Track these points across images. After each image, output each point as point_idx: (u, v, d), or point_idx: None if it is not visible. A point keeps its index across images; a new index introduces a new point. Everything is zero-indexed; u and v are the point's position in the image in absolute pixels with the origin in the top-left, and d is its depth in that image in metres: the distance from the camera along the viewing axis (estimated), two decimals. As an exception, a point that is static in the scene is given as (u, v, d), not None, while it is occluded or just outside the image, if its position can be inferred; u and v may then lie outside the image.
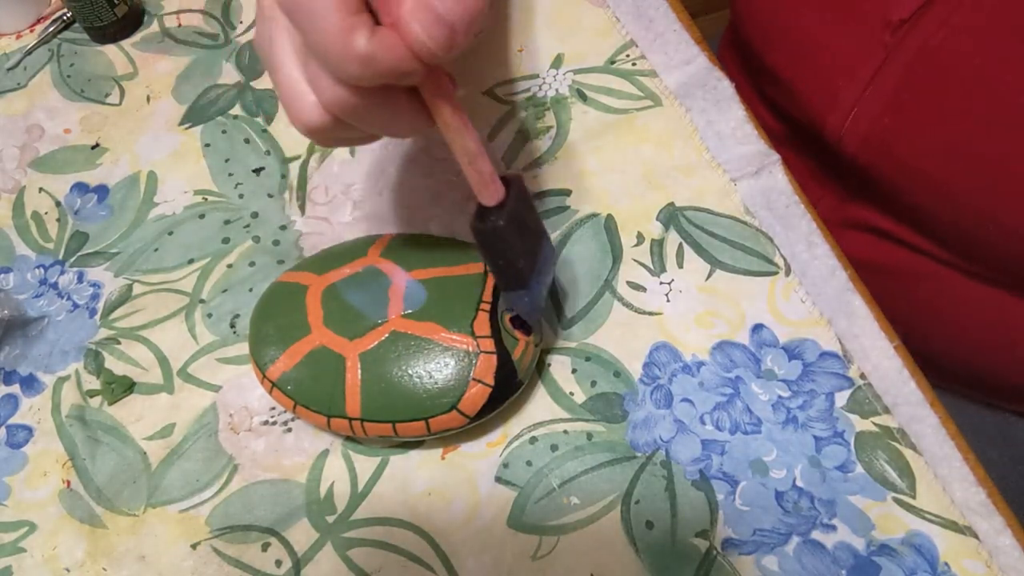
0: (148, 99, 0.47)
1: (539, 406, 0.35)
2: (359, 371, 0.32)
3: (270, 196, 0.42)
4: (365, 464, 0.35)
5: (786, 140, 0.46)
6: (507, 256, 0.28)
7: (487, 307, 0.32)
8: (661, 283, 0.37)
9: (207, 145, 0.45)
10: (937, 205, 0.38)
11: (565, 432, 0.34)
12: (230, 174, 0.43)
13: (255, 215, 0.42)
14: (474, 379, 0.31)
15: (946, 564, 0.30)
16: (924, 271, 0.42)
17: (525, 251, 0.29)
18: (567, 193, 0.40)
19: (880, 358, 0.34)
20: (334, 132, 0.25)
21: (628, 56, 0.43)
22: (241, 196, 0.43)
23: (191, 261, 0.41)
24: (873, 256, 0.43)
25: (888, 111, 0.37)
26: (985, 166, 0.35)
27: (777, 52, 0.43)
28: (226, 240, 0.41)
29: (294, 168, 0.43)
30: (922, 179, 0.37)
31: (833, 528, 0.31)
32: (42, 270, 0.42)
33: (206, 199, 0.43)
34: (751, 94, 0.48)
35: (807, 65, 0.41)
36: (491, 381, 0.31)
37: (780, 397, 0.34)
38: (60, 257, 0.42)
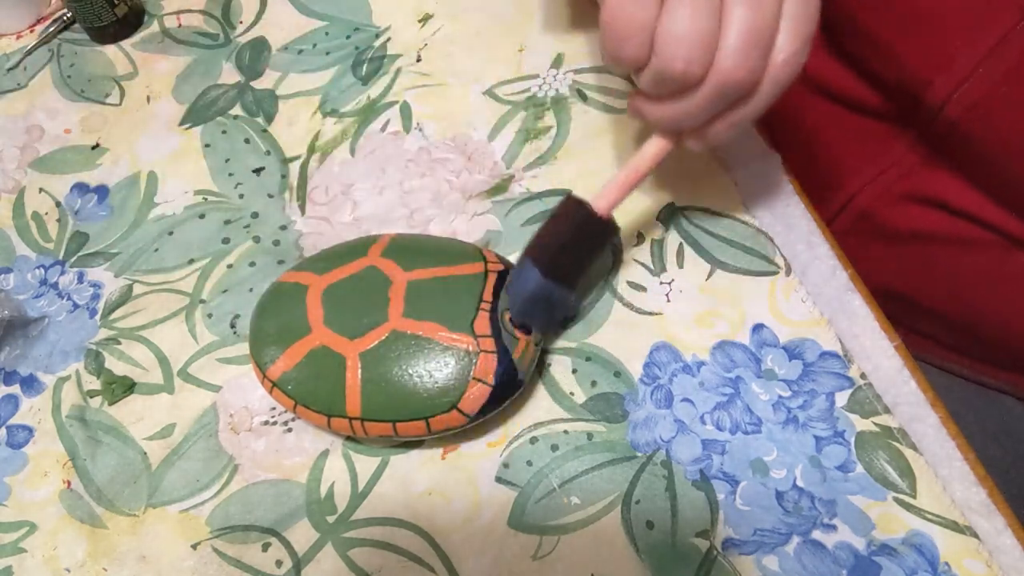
0: (148, 99, 0.47)
1: (539, 406, 0.35)
2: (359, 371, 0.32)
3: (270, 196, 0.42)
4: (365, 464, 0.35)
5: (861, 102, 0.45)
6: (584, 263, 0.33)
7: (487, 307, 0.32)
8: (661, 283, 0.37)
9: (207, 145, 0.45)
10: None
11: (565, 432, 0.34)
12: (230, 174, 0.43)
13: (255, 215, 0.42)
14: (474, 378, 0.31)
15: (947, 564, 0.30)
16: (989, 245, 0.41)
17: (586, 274, 0.34)
18: (567, 193, 0.40)
19: (880, 358, 0.34)
20: None
21: (628, 56, 0.43)
22: (241, 196, 0.43)
23: (191, 261, 0.41)
24: (934, 227, 0.42)
25: (1008, 80, 0.36)
26: None
27: (878, 15, 0.41)
28: (226, 240, 0.41)
29: (294, 168, 0.43)
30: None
31: (833, 528, 0.31)
32: (42, 270, 0.42)
33: (206, 199, 0.43)
34: (824, 51, 0.47)
35: (916, 26, 0.39)
36: (491, 380, 0.31)
37: (780, 397, 0.34)
38: (60, 257, 0.42)
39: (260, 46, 0.48)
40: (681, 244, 0.38)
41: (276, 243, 0.41)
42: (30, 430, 0.38)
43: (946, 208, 0.42)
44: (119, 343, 0.39)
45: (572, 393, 0.35)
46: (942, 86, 0.38)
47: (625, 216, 0.38)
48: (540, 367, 0.35)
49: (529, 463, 0.34)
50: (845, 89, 0.45)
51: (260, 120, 0.45)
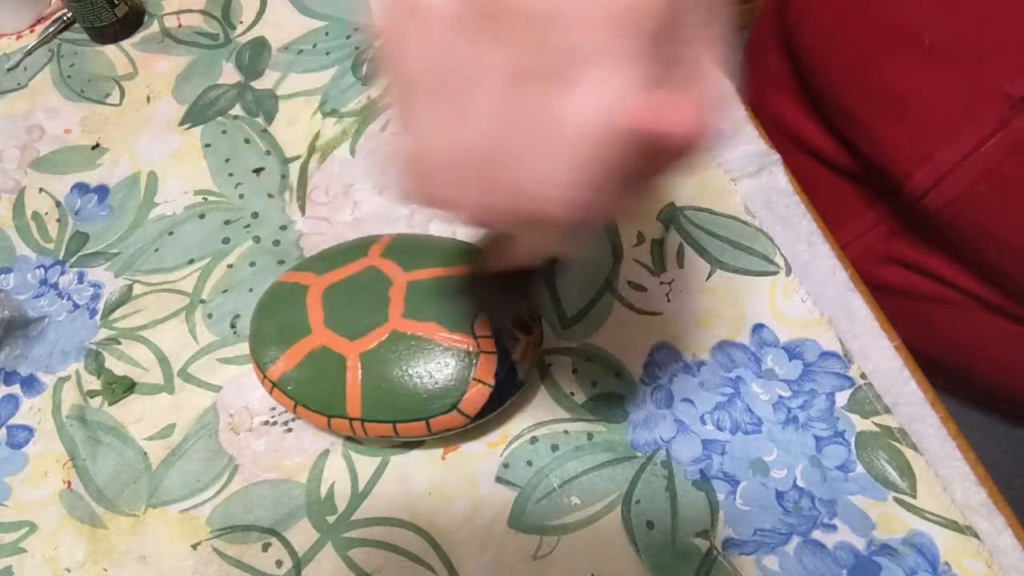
0: (148, 99, 0.47)
1: (540, 406, 0.35)
2: (359, 371, 0.32)
3: (270, 196, 0.42)
4: (365, 464, 0.35)
5: (843, 167, 0.45)
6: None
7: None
8: (662, 283, 0.37)
9: (207, 145, 0.45)
10: (1012, 266, 0.37)
11: (566, 432, 0.34)
12: (230, 174, 0.43)
13: (255, 215, 0.42)
14: (475, 379, 0.31)
15: (947, 564, 0.30)
16: (970, 307, 0.41)
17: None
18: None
19: (880, 358, 0.34)
20: None
21: (628, 56, 0.43)
22: (241, 196, 0.43)
23: (191, 261, 0.41)
24: (916, 287, 0.43)
25: (984, 181, 0.36)
26: None
27: (859, 95, 0.41)
28: (226, 240, 0.41)
29: (294, 168, 0.43)
30: (1004, 244, 0.37)
31: (834, 528, 0.31)
32: (42, 270, 0.42)
33: (206, 199, 0.43)
34: (806, 116, 0.47)
35: (897, 118, 0.39)
36: (491, 381, 0.31)
37: (781, 397, 0.34)
38: (60, 257, 0.42)
39: (260, 46, 0.48)
40: (681, 244, 0.38)
41: (276, 243, 0.41)
42: (30, 430, 0.38)
43: (927, 274, 0.42)
44: (119, 343, 0.39)
45: (572, 393, 0.35)
46: (922, 180, 0.38)
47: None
48: (540, 367, 0.35)
49: (529, 463, 0.34)
50: (828, 152, 0.45)
51: (260, 120, 0.45)
